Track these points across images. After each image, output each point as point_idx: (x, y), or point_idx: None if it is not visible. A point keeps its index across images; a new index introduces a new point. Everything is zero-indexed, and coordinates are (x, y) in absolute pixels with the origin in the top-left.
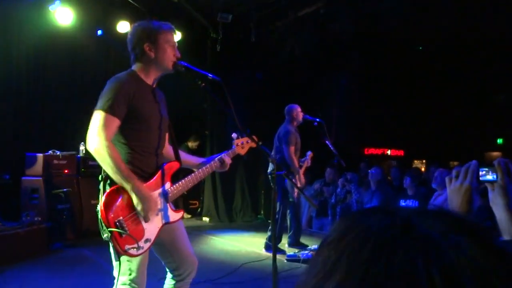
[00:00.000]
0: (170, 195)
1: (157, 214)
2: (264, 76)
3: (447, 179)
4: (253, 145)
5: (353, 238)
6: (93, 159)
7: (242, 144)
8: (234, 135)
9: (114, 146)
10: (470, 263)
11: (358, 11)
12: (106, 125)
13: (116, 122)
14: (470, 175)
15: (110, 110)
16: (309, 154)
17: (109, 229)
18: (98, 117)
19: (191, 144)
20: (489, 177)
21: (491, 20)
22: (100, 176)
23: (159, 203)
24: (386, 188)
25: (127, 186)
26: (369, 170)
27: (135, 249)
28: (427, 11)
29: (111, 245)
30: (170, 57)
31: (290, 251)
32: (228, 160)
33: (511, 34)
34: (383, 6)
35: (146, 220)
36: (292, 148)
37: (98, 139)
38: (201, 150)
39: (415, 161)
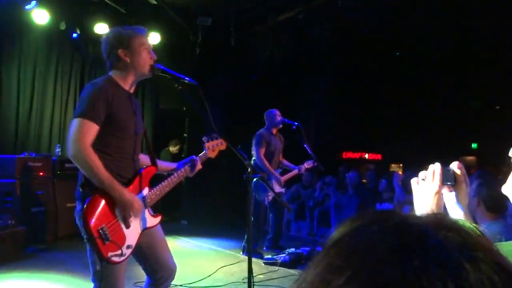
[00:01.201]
0: (148, 200)
1: (137, 220)
2: (242, 80)
3: (413, 182)
4: (223, 147)
5: (367, 238)
6: (69, 162)
7: (212, 147)
8: (204, 138)
9: (94, 153)
10: (486, 280)
11: (336, 16)
12: (86, 131)
13: (95, 128)
14: (437, 178)
15: (89, 117)
16: (309, 163)
17: (92, 237)
18: (77, 124)
19: (172, 149)
20: (451, 180)
21: (466, 27)
22: (80, 183)
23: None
24: (363, 192)
25: (110, 190)
26: (347, 174)
27: (118, 256)
28: (404, 17)
29: (93, 252)
30: (146, 60)
31: (268, 254)
32: (198, 166)
33: (486, 41)
34: (361, 12)
35: (128, 225)
36: (262, 150)
37: (79, 146)
38: (179, 153)
39: (392, 165)
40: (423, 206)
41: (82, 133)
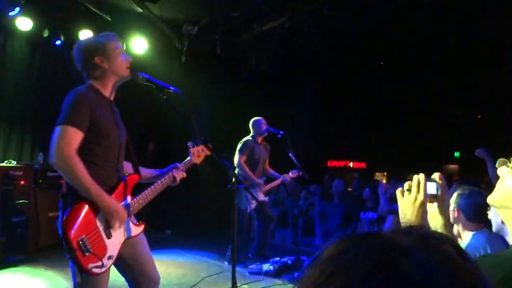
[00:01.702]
0: (131, 208)
1: (119, 230)
2: (229, 89)
3: (398, 193)
4: (208, 153)
5: (352, 258)
6: (52, 170)
7: (198, 153)
8: (189, 143)
9: (78, 159)
10: None
11: (322, 25)
12: (70, 138)
13: (79, 135)
14: (423, 189)
15: (73, 123)
16: (294, 173)
17: (72, 248)
18: (61, 131)
19: (150, 148)
20: (432, 191)
21: (448, 35)
22: (61, 193)
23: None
24: (348, 201)
25: (94, 198)
26: (333, 183)
27: (98, 267)
28: (388, 26)
29: (73, 263)
30: (122, 63)
31: (252, 262)
32: (180, 175)
33: (467, 49)
34: (346, 21)
35: (109, 235)
36: (243, 158)
37: (63, 154)
38: (166, 161)
39: (377, 174)
40: (407, 217)
41: (67, 140)
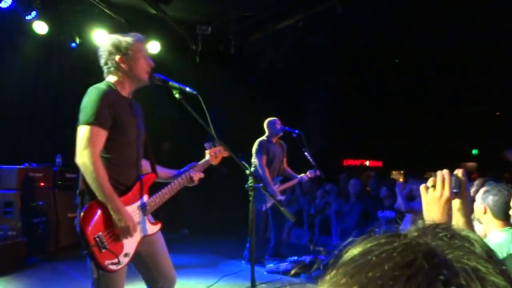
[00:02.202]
0: (148, 207)
1: (135, 228)
2: (244, 88)
3: (422, 189)
4: (226, 154)
5: (376, 257)
6: (71, 172)
7: (215, 154)
8: (206, 145)
9: (101, 162)
10: None
11: (335, 24)
12: (94, 138)
13: (103, 134)
14: (448, 185)
15: (96, 122)
16: (312, 173)
17: (89, 244)
18: (86, 131)
19: (165, 147)
20: (455, 187)
21: (466, 32)
22: (78, 190)
23: (138, 216)
24: (366, 199)
25: (109, 205)
26: (350, 182)
27: (115, 264)
28: (403, 24)
29: (90, 260)
30: (144, 67)
31: (270, 262)
32: (198, 175)
33: (486, 47)
34: (361, 19)
35: (125, 237)
36: (263, 158)
37: (88, 154)
38: (180, 162)
39: (393, 172)
40: (432, 214)
41: (91, 140)
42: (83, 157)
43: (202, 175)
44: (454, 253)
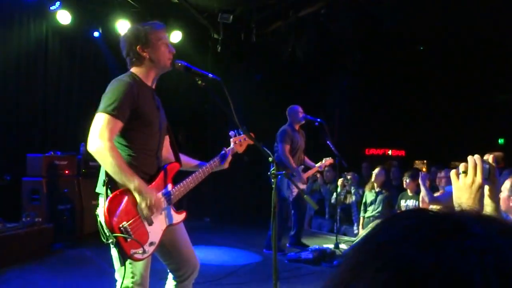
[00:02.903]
0: (172, 196)
1: (160, 216)
2: (265, 77)
3: (453, 175)
4: (251, 142)
5: (400, 231)
6: (94, 160)
7: (240, 142)
8: (231, 133)
9: (115, 147)
10: None
11: (359, 11)
12: (108, 126)
13: (118, 124)
14: (480, 171)
15: (113, 112)
16: (327, 160)
17: (114, 234)
18: (100, 119)
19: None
20: (485, 174)
21: (493, 19)
22: (101, 180)
23: (163, 205)
24: (391, 189)
25: (130, 185)
26: (373, 171)
27: (140, 253)
28: (427, 11)
29: (115, 249)
30: (165, 54)
31: (291, 251)
32: (229, 158)
33: (511, 33)
34: (383, 6)
35: (151, 222)
36: (287, 147)
37: (99, 140)
38: (202, 150)
39: (416, 162)
40: (463, 201)
41: (106, 128)
42: (96, 143)
43: (230, 158)
44: (485, 224)
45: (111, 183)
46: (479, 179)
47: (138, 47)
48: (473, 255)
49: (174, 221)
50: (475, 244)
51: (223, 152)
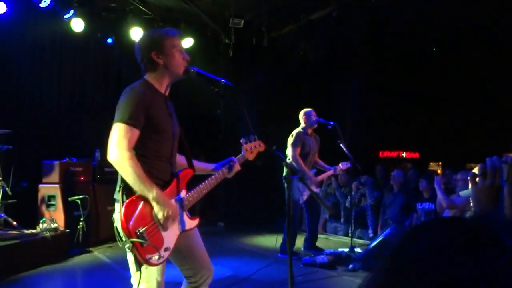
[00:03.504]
0: (186, 202)
1: (175, 222)
2: (277, 81)
3: (471, 178)
4: (261, 149)
5: (434, 241)
6: (109, 166)
7: (250, 149)
8: (242, 140)
9: (134, 156)
10: None
11: (370, 13)
12: (126, 136)
13: (136, 133)
14: (500, 174)
15: (130, 122)
16: (346, 165)
17: (131, 239)
18: (119, 129)
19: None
20: (503, 175)
21: (507, 19)
22: (118, 186)
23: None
24: (409, 191)
25: (149, 195)
26: (392, 173)
27: (156, 258)
28: (440, 11)
29: (131, 254)
30: (179, 61)
31: (306, 255)
32: (236, 167)
33: None
34: (395, 8)
35: (166, 228)
36: (297, 150)
37: (119, 150)
38: (215, 155)
39: (431, 164)
40: (483, 203)
41: (124, 138)
42: (116, 153)
43: (239, 168)
44: None
45: (126, 189)
46: (498, 181)
47: (152, 53)
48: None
49: (188, 227)
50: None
51: (230, 159)
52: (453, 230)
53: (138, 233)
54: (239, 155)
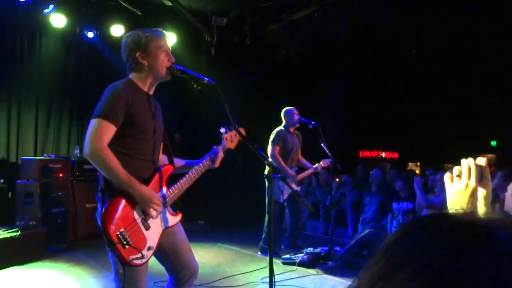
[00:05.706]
0: (167, 199)
1: (156, 220)
2: (259, 80)
3: (447, 179)
4: (241, 137)
5: (427, 237)
6: (88, 163)
7: (230, 138)
8: (222, 129)
9: (110, 151)
10: None
11: (352, 14)
12: (103, 131)
13: (112, 129)
14: (475, 175)
15: (106, 117)
16: (326, 162)
17: (112, 242)
18: (95, 124)
19: (177, 138)
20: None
21: (484, 22)
22: (99, 188)
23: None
24: (387, 190)
25: (127, 186)
26: (371, 172)
27: (139, 259)
28: (420, 14)
29: (114, 255)
30: (163, 63)
31: (286, 253)
32: (220, 155)
33: (505, 37)
34: (377, 9)
35: (148, 227)
36: (277, 148)
37: (94, 145)
38: (195, 152)
39: (410, 164)
40: (458, 204)
41: (99, 133)
42: (90, 147)
43: (222, 155)
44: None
45: (108, 189)
46: (473, 182)
47: (137, 53)
48: (505, 259)
49: (170, 224)
50: (505, 249)
51: (214, 149)
52: (447, 225)
53: (119, 235)
54: (220, 145)
